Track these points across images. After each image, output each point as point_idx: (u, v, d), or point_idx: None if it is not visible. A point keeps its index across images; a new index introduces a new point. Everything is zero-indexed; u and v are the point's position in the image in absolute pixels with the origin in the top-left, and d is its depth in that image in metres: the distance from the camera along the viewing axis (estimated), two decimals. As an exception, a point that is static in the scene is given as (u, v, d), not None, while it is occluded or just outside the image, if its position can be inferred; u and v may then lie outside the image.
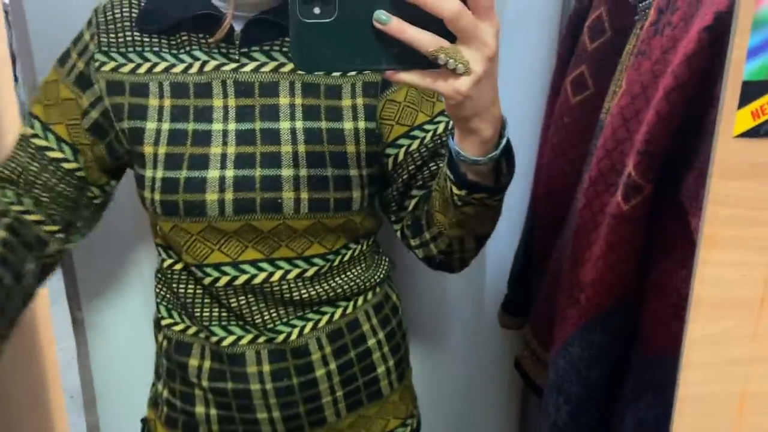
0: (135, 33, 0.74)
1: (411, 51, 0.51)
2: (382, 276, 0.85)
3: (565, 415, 0.83)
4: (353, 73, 0.75)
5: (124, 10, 0.75)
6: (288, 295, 0.76)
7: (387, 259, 0.88)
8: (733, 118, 0.36)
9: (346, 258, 0.80)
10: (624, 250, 0.73)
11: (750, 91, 0.36)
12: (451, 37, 0.51)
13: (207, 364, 0.78)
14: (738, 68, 0.35)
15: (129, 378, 1.11)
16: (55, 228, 0.76)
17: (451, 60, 0.51)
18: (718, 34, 0.62)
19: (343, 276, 0.80)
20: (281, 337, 0.77)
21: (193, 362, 0.78)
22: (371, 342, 0.82)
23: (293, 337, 0.77)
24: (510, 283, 1.14)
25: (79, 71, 0.76)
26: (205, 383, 0.78)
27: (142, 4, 0.75)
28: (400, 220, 0.80)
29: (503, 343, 1.22)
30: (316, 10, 0.51)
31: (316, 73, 0.71)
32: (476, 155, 0.59)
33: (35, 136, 0.75)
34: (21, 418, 1.01)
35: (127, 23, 0.75)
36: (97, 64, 0.74)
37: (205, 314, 0.78)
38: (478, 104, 0.55)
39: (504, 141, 0.60)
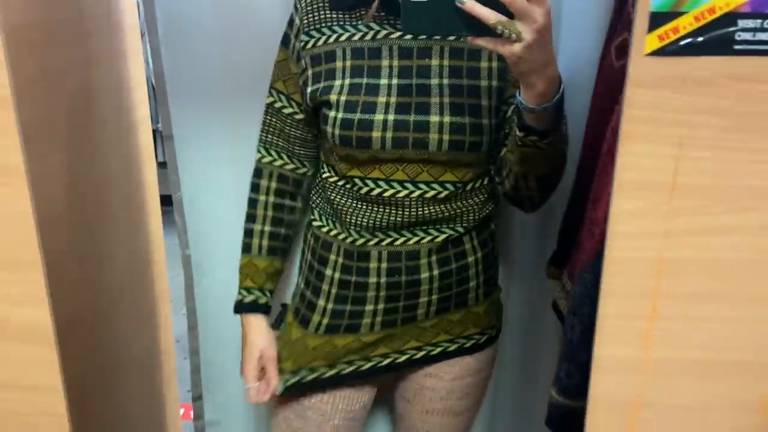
0: (326, 12, 0.98)
1: (481, 23, 0.72)
2: (491, 208, 1.04)
3: (579, 333, 0.94)
4: None
5: None
6: (422, 210, 0.97)
7: (497, 197, 1.06)
8: (643, 40, 0.48)
9: (471, 188, 0.99)
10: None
11: (657, 20, 0.48)
12: (511, 15, 0.71)
13: (341, 260, 1.01)
14: (646, 1, 0.47)
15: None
16: (304, 170, 1.09)
17: (506, 30, 0.71)
18: None
19: (465, 202, 1.00)
20: (400, 241, 0.98)
21: (332, 257, 1.02)
22: (470, 259, 1.02)
23: (410, 242, 0.98)
24: (558, 238, 1.25)
25: (297, 50, 1.01)
26: (336, 275, 1.01)
27: None
28: (494, 161, 0.99)
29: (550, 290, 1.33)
30: None
31: (417, 33, 0.93)
32: (533, 104, 0.79)
33: (283, 107, 1.06)
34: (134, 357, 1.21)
35: (320, 4, 0.99)
36: (302, 44, 0.99)
37: (349, 220, 1.00)
38: (532, 64, 0.74)
39: (558, 96, 0.79)
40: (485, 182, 1.02)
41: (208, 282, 1.31)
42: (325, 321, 1.03)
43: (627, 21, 1.04)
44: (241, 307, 1.08)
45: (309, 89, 0.98)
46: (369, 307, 1.00)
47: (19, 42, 0.62)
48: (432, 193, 0.97)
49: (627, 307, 0.55)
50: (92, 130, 0.98)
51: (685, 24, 0.48)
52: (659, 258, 0.52)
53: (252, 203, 1.10)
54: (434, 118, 0.92)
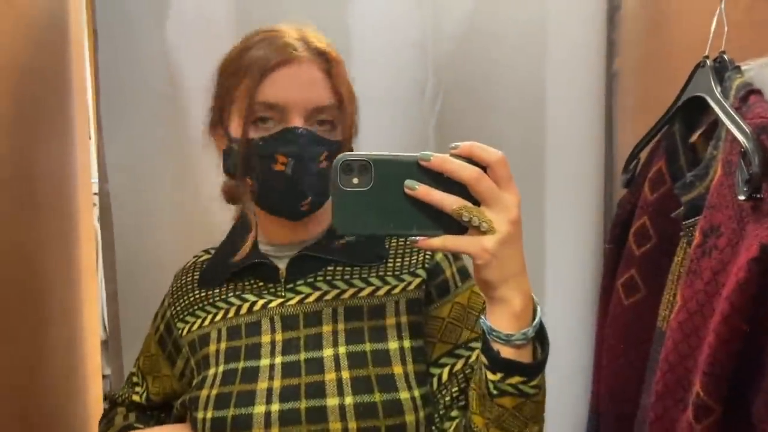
0: (195, 293, 0.83)
1: (440, 215, 0.56)
2: None
3: None
4: (397, 291, 0.78)
5: (189, 275, 0.85)
6: None
7: None
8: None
9: None
10: (702, 471, 0.72)
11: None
12: (477, 203, 0.56)
13: None
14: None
15: None
16: None
17: (474, 217, 0.55)
18: (766, 264, 0.67)
19: None
20: None
21: None
22: None
23: None
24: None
25: (160, 333, 0.86)
26: None
27: (204, 265, 0.85)
28: None
29: None
30: (355, 180, 0.57)
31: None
32: (509, 330, 0.60)
33: (136, 383, 0.89)
34: None
35: (191, 286, 0.84)
36: (179, 332, 0.83)
37: None
38: (505, 268, 0.57)
39: (537, 318, 0.61)
40: None
41: None
42: None
43: (630, 258, 1.00)
44: None
45: (193, 387, 0.80)
46: None
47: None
48: None
49: None
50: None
51: None
52: None
53: None
54: (332, 401, 0.71)
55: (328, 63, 0.76)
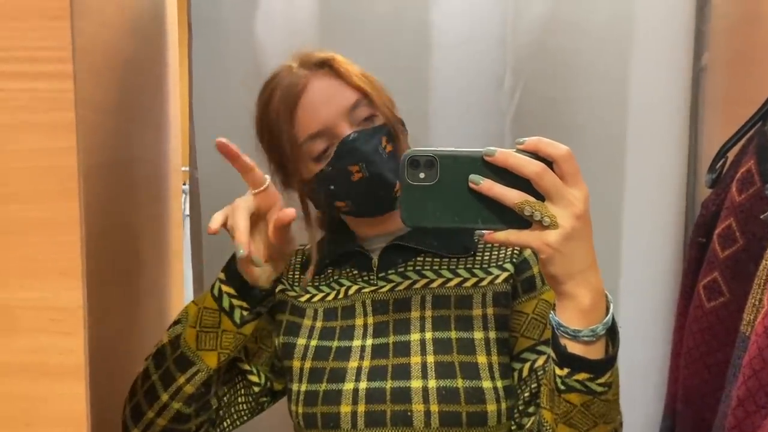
0: (299, 275, 0.88)
1: (504, 210, 0.57)
2: None
3: None
4: (484, 283, 0.80)
5: (297, 258, 0.91)
6: None
7: None
8: None
9: None
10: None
11: None
12: (541, 198, 0.57)
13: None
14: None
15: None
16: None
17: (536, 212, 0.56)
18: None
19: None
20: None
21: None
22: None
23: None
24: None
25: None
26: None
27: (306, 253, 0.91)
28: None
29: None
30: (421, 175, 0.59)
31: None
32: (577, 326, 0.60)
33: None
34: None
35: (297, 266, 0.89)
36: (277, 289, 0.87)
37: None
38: (571, 264, 0.57)
39: (609, 315, 0.61)
40: None
41: None
42: None
43: (714, 261, 0.96)
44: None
45: (280, 351, 0.84)
46: None
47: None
48: None
49: None
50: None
51: None
52: None
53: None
54: (416, 383, 0.74)
55: (331, 68, 0.80)
